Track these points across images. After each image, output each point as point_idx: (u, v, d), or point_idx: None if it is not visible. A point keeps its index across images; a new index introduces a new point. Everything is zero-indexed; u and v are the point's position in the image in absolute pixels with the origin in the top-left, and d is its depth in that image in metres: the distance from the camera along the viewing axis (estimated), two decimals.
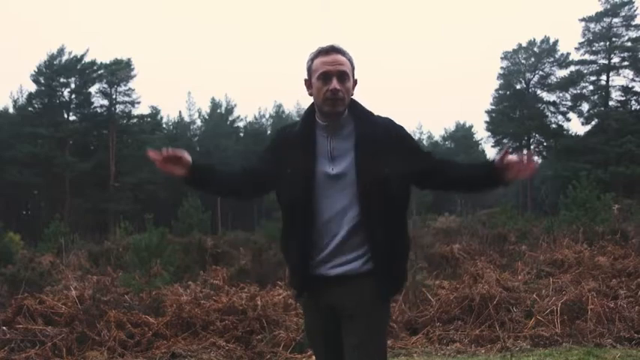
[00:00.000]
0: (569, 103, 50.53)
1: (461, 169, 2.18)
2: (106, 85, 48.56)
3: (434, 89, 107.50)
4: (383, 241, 2.02)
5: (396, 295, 2.19)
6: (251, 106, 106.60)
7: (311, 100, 2.16)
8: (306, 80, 2.15)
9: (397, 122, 2.18)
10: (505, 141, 53.29)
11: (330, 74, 2.04)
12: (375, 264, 2.03)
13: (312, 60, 2.11)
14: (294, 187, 2.06)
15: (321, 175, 2.05)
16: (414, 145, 2.18)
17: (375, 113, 2.19)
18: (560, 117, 51.66)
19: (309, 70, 2.12)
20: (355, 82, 2.14)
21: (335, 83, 2.03)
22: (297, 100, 50.69)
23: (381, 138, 2.08)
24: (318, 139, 2.10)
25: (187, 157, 2.11)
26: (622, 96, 48.29)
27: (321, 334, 2.17)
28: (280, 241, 2.24)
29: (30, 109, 47.89)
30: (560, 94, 50.92)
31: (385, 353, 2.10)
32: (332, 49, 2.08)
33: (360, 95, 2.21)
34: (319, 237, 2.05)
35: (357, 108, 2.15)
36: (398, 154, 2.07)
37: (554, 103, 51.52)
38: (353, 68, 2.12)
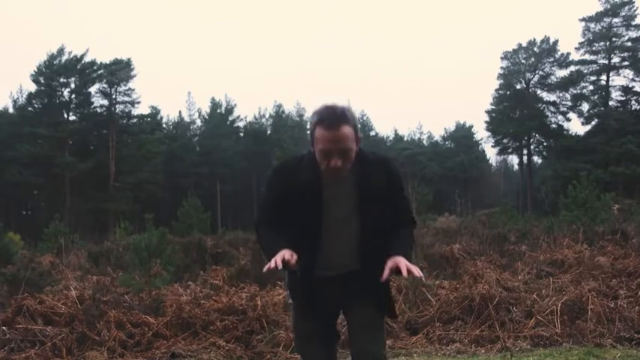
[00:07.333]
0: (569, 103, 50.58)
1: (394, 242, 2.14)
2: (106, 85, 48.58)
3: (434, 89, 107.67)
4: (378, 274, 2.06)
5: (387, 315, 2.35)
6: (251, 106, 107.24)
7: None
8: (310, 140, 2.13)
9: (392, 163, 2.23)
10: (505, 141, 53.33)
11: (332, 153, 2.02)
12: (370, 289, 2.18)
13: (313, 126, 2.06)
14: (302, 230, 2.13)
15: (327, 217, 2.12)
16: (400, 189, 2.23)
17: (371, 152, 2.22)
18: (560, 117, 51.76)
19: (311, 135, 2.10)
20: (359, 139, 2.12)
21: (335, 161, 2.03)
22: (297, 100, 50.67)
23: (379, 181, 2.15)
24: (324, 183, 2.12)
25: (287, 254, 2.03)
26: (622, 96, 48.39)
27: (316, 335, 2.26)
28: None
29: (30, 109, 47.92)
30: (560, 94, 51.00)
31: (384, 341, 2.29)
32: (334, 124, 2.00)
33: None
34: (323, 265, 2.17)
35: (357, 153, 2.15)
36: (391, 196, 2.18)
37: (554, 103, 51.55)
38: (356, 132, 2.08)
